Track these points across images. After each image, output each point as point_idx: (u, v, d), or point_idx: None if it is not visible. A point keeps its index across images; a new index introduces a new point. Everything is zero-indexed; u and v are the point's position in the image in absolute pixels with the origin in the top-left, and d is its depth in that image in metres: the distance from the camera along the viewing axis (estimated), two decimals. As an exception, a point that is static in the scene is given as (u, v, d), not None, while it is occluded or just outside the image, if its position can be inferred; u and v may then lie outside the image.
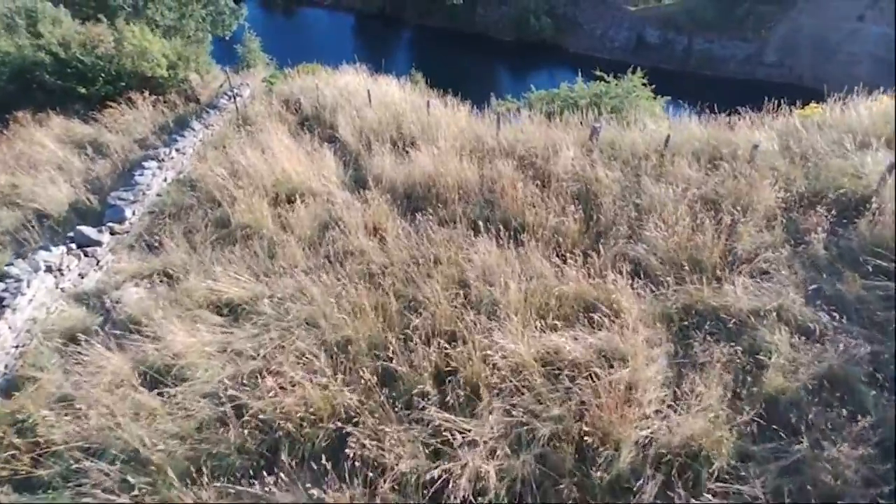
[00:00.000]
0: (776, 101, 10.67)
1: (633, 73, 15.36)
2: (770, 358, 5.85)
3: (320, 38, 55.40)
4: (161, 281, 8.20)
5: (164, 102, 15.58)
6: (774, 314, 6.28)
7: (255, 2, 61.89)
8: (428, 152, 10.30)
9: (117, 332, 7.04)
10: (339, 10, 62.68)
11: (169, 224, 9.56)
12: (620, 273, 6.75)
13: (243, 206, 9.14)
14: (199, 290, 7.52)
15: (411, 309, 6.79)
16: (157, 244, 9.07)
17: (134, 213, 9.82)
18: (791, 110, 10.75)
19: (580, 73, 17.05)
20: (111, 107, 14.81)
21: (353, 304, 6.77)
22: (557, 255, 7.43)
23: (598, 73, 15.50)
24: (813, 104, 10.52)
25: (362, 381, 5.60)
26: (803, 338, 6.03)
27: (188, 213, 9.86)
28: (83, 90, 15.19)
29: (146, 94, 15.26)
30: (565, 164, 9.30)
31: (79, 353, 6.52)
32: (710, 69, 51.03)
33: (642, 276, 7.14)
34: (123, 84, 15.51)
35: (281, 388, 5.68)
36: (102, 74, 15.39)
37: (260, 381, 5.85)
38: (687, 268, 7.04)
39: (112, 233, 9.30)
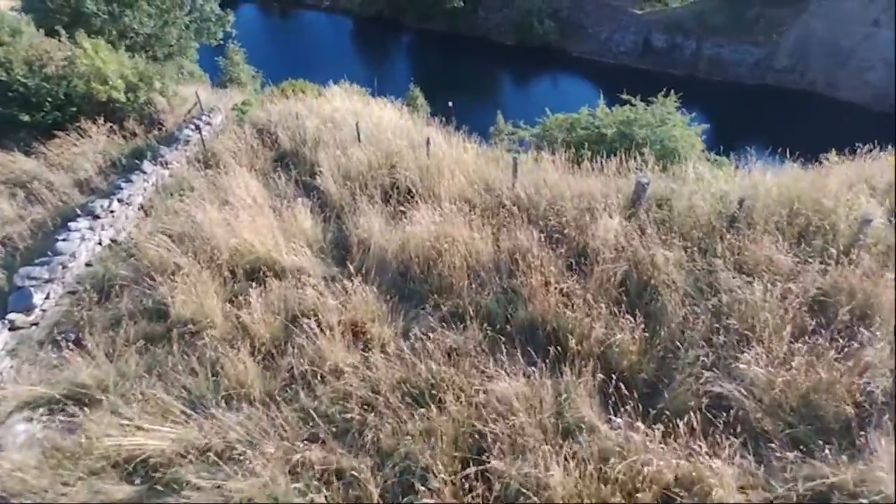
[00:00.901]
0: (867, 144, 8.56)
1: (666, 95, 13.24)
2: None
3: (317, 42, 53.70)
4: (68, 406, 6.01)
5: (122, 130, 13.39)
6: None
7: (252, 4, 60.15)
8: (428, 212, 8.09)
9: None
10: (338, 12, 61.11)
11: (90, 314, 7.33)
12: (718, 453, 4.51)
13: (184, 296, 6.93)
14: (107, 441, 5.32)
15: (404, 497, 4.59)
16: (70, 345, 6.85)
17: (49, 297, 7.61)
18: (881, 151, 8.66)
19: (601, 95, 14.91)
20: (59, 136, 12.69)
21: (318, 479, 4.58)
22: (613, 398, 5.20)
23: (624, 96, 13.38)
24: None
25: None
26: None
27: (120, 295, 7.64)
28: (27, 117, 13.03)
29: (100, 120, 13.09)
30: (606, 237, 7.09)
31: None
32: (719, 74, 49.18)
33: (737, 429, 4.93)
34: (74, 109, 13.33)
35: None
36: (49, 99, 13.20)
37: None
38: (803, 417, 4.88)
39: (13, 328, 7.09)
